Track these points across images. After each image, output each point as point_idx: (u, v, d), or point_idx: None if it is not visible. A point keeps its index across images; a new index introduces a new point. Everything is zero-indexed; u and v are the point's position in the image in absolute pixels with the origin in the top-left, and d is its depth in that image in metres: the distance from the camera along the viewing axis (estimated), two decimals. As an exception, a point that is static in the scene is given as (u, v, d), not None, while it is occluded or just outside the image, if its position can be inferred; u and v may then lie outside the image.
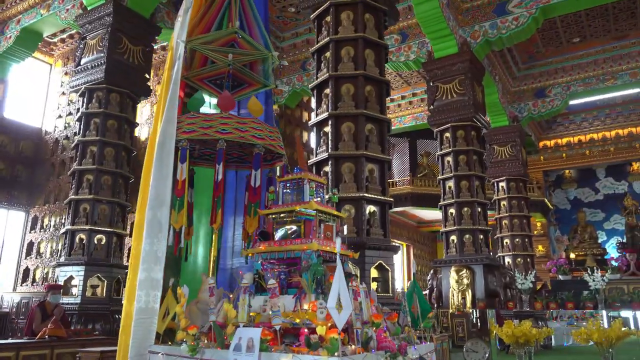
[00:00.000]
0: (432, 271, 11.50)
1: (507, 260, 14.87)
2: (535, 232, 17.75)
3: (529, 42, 13.54)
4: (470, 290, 10.24)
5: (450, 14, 11.11)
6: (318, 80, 6.79)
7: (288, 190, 3.78)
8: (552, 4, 10.80)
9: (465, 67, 11.26)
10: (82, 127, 9.20)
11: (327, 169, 6.32)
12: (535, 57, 15.27)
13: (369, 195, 6.15)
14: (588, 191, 20.93)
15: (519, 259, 14.84)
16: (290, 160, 10.26)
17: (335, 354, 2.72)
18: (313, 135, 14.79)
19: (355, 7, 6.83)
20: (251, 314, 3.18)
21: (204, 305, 3.78)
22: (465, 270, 10.37)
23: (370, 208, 6.17)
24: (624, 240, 19.19)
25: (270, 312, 3.00)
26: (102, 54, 9.27)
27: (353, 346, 2.93)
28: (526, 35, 11.43)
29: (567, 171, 20.91)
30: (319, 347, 2.78)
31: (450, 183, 11.15)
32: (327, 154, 6.36)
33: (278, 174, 4.46)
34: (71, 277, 8.53)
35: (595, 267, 9.72)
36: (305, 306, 3.23)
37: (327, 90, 6.63)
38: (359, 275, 5.58)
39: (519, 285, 10.20)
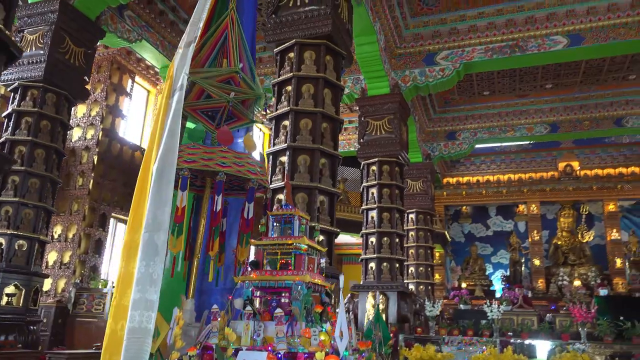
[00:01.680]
0: (349, 295, 12.16)
1: (411, 287, 16.01)
2: (434, 262, 19.24)
3: (447, 90, 14.94)
4: (384, 315, 11.00)
5: (386, 57, 12.05)
6: (278, 111, 7.18)
7: (278, 224, 4.14)
8: (474, 62, 12.16)
9: (395, 107, 12.24)
10: (12, 124, 8.71)
11: (282, 196, 6.70)
12: (450, 103, 16.86)
13: (320, 225, 6.61)
14: (480, 227, 23.06)
15: (421, 287, 16.05)
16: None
17: (335, 377, 3.13)
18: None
19: (318, 48, 7.36)
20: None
21: (184, 326, 4.00)
22: (381, 296, 11.14)
23: (320, 237, 6.63)
24: (507, 274, 21.52)
25: (275, 338, 3.35)
26: (42, 52, 8.88)
27: (345, 371, 3.35)
28: (449, 85, 12.71)
29: (464, 207, 22.92)
30: (321, 371, 3.18)
31: (373, 213, 11.94)
32: (282, 182, 6.74)
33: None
34: (-15, 284, 7.98)
35: (494, 301, 10.95)
36: (284, 332, 3.60)
37: (287, 122, 7.04)
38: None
39: (427, 312, 11.18)
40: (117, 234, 13.79)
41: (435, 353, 9.77)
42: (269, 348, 3.42)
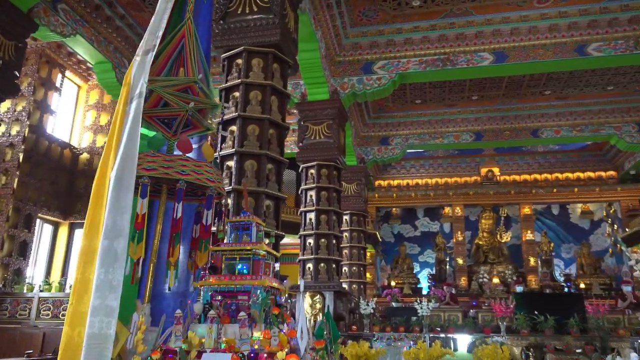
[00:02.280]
0: (286, 295, 12.38)
1: (344, 286, 16.53)
2: (366, 262, 19.92)
3: (382, 97, 15.58)
4: (321, 314, 11.35)
5: (326, 64, 12.42)
6: (226, 117, 7.29)
7: (237, 231, 4.32)
8: (409, 73, 12.82)
9: (334, 113, 12.64)
10: None
11: (230, 200, 6.83)
12: (384, 110, 17.56)
13: (266, 228, 6.82)
14: (409, 227, 24.09)
15: (354, 286, 16.61)
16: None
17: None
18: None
19: (266, 56, 7.54)
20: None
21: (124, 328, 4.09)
22: (318, 295, 11.49)
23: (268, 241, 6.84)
24: (433, 272, 22.65)
25: (238, 340, 3.54)
26: (-31, 44, 8.42)
27: (303, 368, 3.61)
28: (385, 94, 13.31)
29: (394, 209, 23.86)
30: (282, 370, 3.42)
31: (311, 215, 12.28)
32: (231, 187, 6.88)
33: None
34: None
35: (424, 299, 11.63)
36: (257, 334, 3.82)
37: (234, 128, 7.17)
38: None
39: (362, 310, 11.66)
40: (43, 235, 13.19)
41: (369, 349, 10.25)
42: (230, 349, 3.60)
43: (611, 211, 21.49)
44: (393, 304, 14.75)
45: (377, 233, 22.06)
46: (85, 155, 13.89)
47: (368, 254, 21.89)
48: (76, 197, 13.46)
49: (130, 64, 4.59)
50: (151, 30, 4.62)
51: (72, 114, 14.41)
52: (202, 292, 4.16)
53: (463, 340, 13.39)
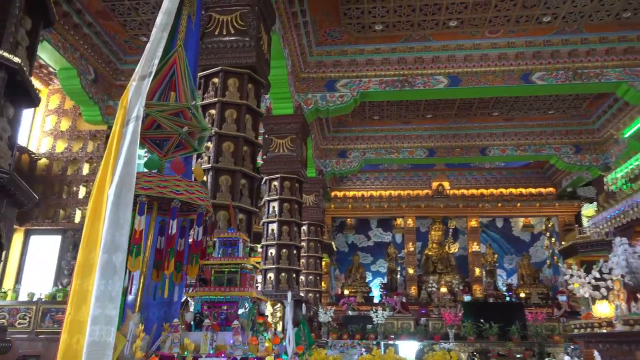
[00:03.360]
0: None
1: (301, 294, 16.97)
2: (322, 271, 20.45)
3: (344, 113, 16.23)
4: (281, 322, 11.75)
5: (292, 80, 12.92)
6: (202, 133, 7.63)
7: (225, 246, 4.73)
8: (369, 91, 13.52)
9: (298, 127, 13.14)
10: None
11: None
12: (344, 124, 18.22)
13: (239, 241, 7.20)
14: (362, 238, 24.83)
15: (310, 294, 17.08)
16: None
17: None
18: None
19: (242, 76, 7.95)
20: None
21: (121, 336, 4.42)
22: (279, 304, 11.87)
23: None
24: (385, 281, 23.45)
25: (229, 346, 3.94)
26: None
27: (288, 371, 4.06)
28: (347, 111, 13.94)
29: (349, 219, 24.55)
30: (271, 372, 3.86)
31: (274, 226, 12.68)
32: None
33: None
34: None
35: (378, 307, 12.24)
36: (246, 340, 4.23)
37: (210, 145, 7.53)
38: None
39: (320, 319, 12.14)
40: (-2, 241, 12.89)
41: (327, 356, 10.75)
42: (222, 354, 4.00)
43: (549, 225, 23.07)
44: (349, 312, 15.32)
45: (333, 243, 22.65)
46: (44, 161, 13.72)
47: (323, 263, 22.46)
48: (33, 204, 13.25)
49: (126, 88, 4.95)
50: (147, 57, 4.99)
51: (30, 118, 14.19)
52: (193, 302, 4.51)
53: (411, 347, 14.14)
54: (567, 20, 12.07)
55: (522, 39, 12.82)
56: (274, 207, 12.81)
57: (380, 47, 13.21)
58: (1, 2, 2.50)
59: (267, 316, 4.63)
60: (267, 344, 4.15)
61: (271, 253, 12.53)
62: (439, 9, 11.78)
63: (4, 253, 3.67)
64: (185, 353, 3.94)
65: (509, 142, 18.00)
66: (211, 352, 4.07)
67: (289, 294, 4.12)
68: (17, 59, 2.57)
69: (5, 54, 2.48)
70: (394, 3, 11.59)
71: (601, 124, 17.10)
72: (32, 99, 2.97)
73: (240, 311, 4.41)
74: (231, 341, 4.19)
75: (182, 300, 4.96)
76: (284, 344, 4.39)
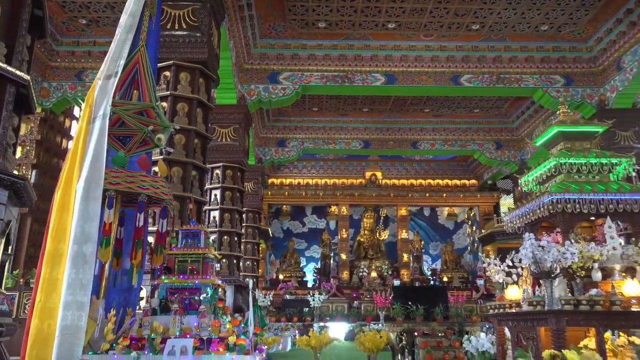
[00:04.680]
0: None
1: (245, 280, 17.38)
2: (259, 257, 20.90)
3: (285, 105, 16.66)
4: (221, 307, 12.15)
5: (235, 71, 13.17)
6: (153, 125, 7.83)
7: (187, 237, 5.13)
8: (311, 85, 14.06)
9: (241, 118, 13.45)
10: None
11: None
12: (283, 114, 18.66)
13: (190, 230, 7.54)
14: (298, 224, 25.51)
15: (247, 279, 17.53)
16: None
17: (244, 352, 4.36)
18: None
19: (193, 71, 8.21)
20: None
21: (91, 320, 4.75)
22: (220, 289, 12.24)
23: (189, 241, 7.55)
24: (319, 266, 24.31)
25: (194, 328, 4.38)
26: None
27: (248, 349, 4.58)
28: (289, 103, 14.40)
29: (285, 206, 25.11)
30: (234, 350, 4.37)
31: (215, 214, 12.98)
32: (157, 191, 7.47)
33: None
34: None
35: (315, 291, 12.95)
36: (209, 323, 4.68)
37: (162, 137, 7.75)
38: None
39: (260, 303, 12.65)
40: None
41: (265, 338, 11.32)
42: (187, 335, 4.45)
43: (471, 214, 24.85)
44: (287, 296, 15.94)
45: (269, 229, 23.14)
46: (-29, 142, 13.12)
47: (260, 248, 22.92)
48: None
49: (92, 86, 5.17)
50: (112, 57, 5.26)
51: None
52: (158, 289, 4.89)
53: (341, 328, 14.98)
54: (493, 29, 13.18)
55: (453, 44, 13.81)
56: (215, 195, 13.09)
57: (323, 43, 13.74)
58: (10, 23, 2.74)
59: (225, 300, 5.09)
60: (228, 326, 4.62)
61: (213, 240, 12.82)
62: (379, 12, 12.47)
63: (10, 248, 3.90)
64: (153, 335, 4.33)
65: (438, 137, 19.23)
66: (178, 334, 4.49)
67: (250, 282, 4.61)
68: (26, 76, 2.84)
69: (17, 72, 2.74)
70: (337, 3, 12.13)
71: (519, 123, 18.71)
72: (31, 109, 3.23)
73: (202, 296, 4.84)
74: (195, 323, 4.63)
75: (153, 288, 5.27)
76: (242, 325, 4.88)
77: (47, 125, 13.68)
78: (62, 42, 13.53)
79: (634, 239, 6.14)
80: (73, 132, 15.21)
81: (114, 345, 4.40)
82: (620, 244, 5.96)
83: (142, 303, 5.47)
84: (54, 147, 13.89)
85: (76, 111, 15.53)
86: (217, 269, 5.23)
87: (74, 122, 15.31)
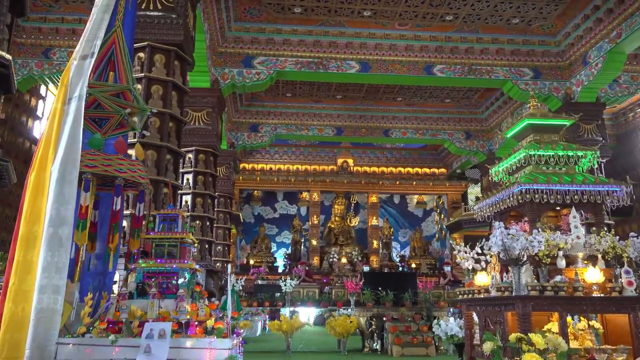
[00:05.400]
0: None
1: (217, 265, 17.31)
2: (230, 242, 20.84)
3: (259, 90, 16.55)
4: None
5: (209, 54, 13.00)
6: (127, 107, 7.70)
7: (165, 222, 5.12)
8: (285, 71, 14.00)
9: (214, 101, 13.31)
10: None
11: (130, 187, 7.34)
12: (256, 99, 18.53)
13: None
14: (269, 210, 25.53)
15: (218, 264, 17.48)
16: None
17: (222, 336, 4.41)
18: (38, 124, 14.10)
19: (168, 53, 8.07)
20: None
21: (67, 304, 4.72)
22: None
23: (164, 226, 7.50)
24: (289, 252, 24.45)
25: (178, 311, 4.41)
26: None
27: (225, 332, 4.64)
28: (263, 87, 14.32)
29: (256, 191, 25.06)
30: (212, 333, 4.42)
31: (187, 198, 12.87)
32: (131, 175, 7.38)
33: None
34: None
35: (287, 277, 13.04)
36: (187, 307, 4.71)
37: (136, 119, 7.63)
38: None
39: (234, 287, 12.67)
40: None
41: (237, 322, 11.37)
42: (165, 319, 4.47)
43: (440, 202, 25.36)
44: (259, 281, 16.00)
45: (240, 214, 23.06)
46: None
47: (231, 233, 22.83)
48: None
49: (67, 66, 5.06)
50: (88, 37, 5.16)
51: None
52: (135, 273, 4.87)
53: (310, 313, 15.09)
54: (466, 21, 13.37)
55: (427, 34, 13.96)
56: (187, 179, 12.97)
57: (298, 28, 13.67)
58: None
59: (202, 285, 5.12)
60: (205, 310, 4.66)
61: (192, 225, 12.73)
62: (355, -1, 12.48)
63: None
64: (130, 319, 4.34)
65: (410, 125, 19.47)
66: (155, 317, 4.50)
67: (229, 266, 4.64)
68: (7, 55, 2.77)
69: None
70: (314, -12, 12.09)
71: (488, 114, 19.11)
72: (10, 89, 3.15)
73: (180, 281, 4.85)
74: (173, 307, 4.65)
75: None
76: (219, 309, 4.93)
77: (11, 104, 13.25)
78: (29, 17, 13.02)
79: (594, 228, 6.44)
80: (39, 112, 14.77)
81: (91, 328, 4.39)
82: (583, 233, 6.24)
83: (116, 287, 5.43)
84: (19, 126, 13.49)
85: (42, 90, 15.06)
86: (194, 253, 5.23)
87: (41, 101, 14.86)
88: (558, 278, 5.47)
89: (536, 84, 14.28)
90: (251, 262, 22.82)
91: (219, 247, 17.47)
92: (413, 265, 22.82)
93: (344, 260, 22.59)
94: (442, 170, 24.84)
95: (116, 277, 6.44)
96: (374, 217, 24.29)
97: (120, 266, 6.10)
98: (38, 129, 14.39)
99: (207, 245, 12.85)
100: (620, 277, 5.48)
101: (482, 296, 6.10)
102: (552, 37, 14.01)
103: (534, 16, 13.06)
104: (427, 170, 24.81)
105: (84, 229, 4.61)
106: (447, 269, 18.87)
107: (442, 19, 13.33)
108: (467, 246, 6.63)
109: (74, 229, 4.49)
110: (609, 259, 5.81)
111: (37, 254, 4.42)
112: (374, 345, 11.37)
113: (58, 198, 4.49)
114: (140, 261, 4.81)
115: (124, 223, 6.16)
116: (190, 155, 13.12)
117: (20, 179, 12.37)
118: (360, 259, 22.73)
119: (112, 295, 5.29)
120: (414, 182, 24.26)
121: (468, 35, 13.99)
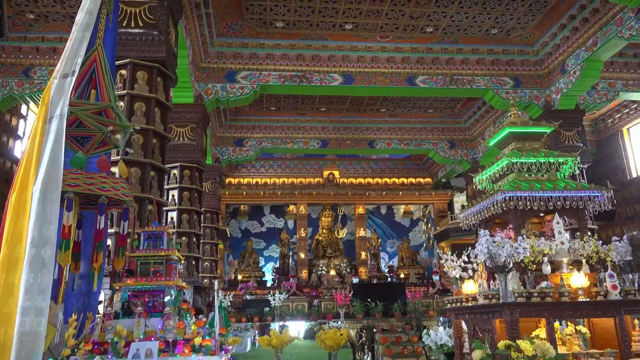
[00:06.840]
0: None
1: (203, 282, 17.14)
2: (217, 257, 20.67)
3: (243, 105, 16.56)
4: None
5: (192, 69, 13.00)
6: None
7: (149, 239, 5.07)
8: (269, 85, 14.04)
9: (198, 117, 13.28)
10: None
11: (114, 205, 7.27)
12: (241, 113, 18.54)
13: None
14: (256, 224, 25.44)
15: (206, 280, 17.32)
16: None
17: (210, 353, 4.36)
18: (19, 143, 13.94)
19: (151, 70, 8.06)
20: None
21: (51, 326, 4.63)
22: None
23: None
24: (277, 266, 24.30)
25: (164, 329, 4.35)
26: None
27: (214, 349, 4.58)
28: (247, 102, 14.32)
29: (242, 206, 24.95)
30: (201, 351, 4.37)
31: (173, 214, 12.77)
32: (115, 192, 7.31)
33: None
34: None
35: (276, 291, 12.97)
36: (174, 325, 4.65)
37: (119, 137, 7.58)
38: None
39: (222, 304, 12.55)
40: None
41: (225, 339, 11.25)
42: (152, 338, 4.41)
43: (427, 212, 25.47)
44: (247, 296, 15.88)
45: (227, 229, 22.93)
46: None
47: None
48: None
49: (47, 85, 5.02)
50: (69, 56, 5.13)
51: None
52: (120, 292, 4.81)
53: (300, 327, 15.02)
54: (447, 32, 13.57)
55: (408, 45, 14.12)
56: (173, 196, 12.88)
57: (280, 42, 13.75)
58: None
59: (189, 302, 5.07)
60: (193, 327, 4.61)
61: (177, 242, 12.61)
62: (336, 12, 12.59)
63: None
64: (116, 339, 4.27)
65: (394, 136, 19.60)
66: (141, 337, 4.44)
67: (216, 282, 4.60)
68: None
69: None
70: (295, 3, 12.17)
71: (471, 123, 19.34)
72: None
73: (166, 298, 4.80)
74: (159, 326, 4.59)
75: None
76: (207, 326, 4.88)
77: (-9, 124, 13.08)
78: (8, 37, 12.93)
79: (578, 233, 6.53)
80: (20, 131, 14.59)
81: (76, 350, 4.31)
82: (567, 238, 6.32)
83: (101, 307, 5.35)
84: (0, 146, 13.30)
85: (24, 109, 14.90)
86: (180, 270, 5.18)
87: (22, 120, 14.68)
88: (544, 284, 5.52)
89: (516, 92, 14.51)
90: (239, 277, 22.64)
91: (206, 263, 17.32)
92: (402, 275, 22.82)
93: (332, 272, 22.52)
94: (428, 179, 25.01)
95: (101, 297, 6.36)
96: (362, 229, 24.31)
97: (105, 285, 6.02)
98: (19, 148, 14.20)
99: (194, 262, 12.73)
100: (605, 281, 5.55)
101: (470, 304, 6.12)
102: (530, 47, 14.27)
103: (512, 26, 13.30)
104: (412, 180, 24.96)
105: (67, 249, 4.54)
106: (436, 278, 18.93)
107: (423, 31, 13.51)
108: (454, 255, 6.67)
109: (57, 249, 4.41)
110: (593, 263, 5.88)
111: (19, 277, 4.33)
112: (365, 357, 11.32)
113: (40, 218, 4.42)
114: (126, 280, 4.75)
115: (109, 242, 6.09)
116: (175, 171, 13.04)
117: (1, 200, 12.13)
118: (349, 270, 22.67)
119: (97, 315, 5.21)
120: (400, 193, 24.36)
121: (449, 46, 14.19)
